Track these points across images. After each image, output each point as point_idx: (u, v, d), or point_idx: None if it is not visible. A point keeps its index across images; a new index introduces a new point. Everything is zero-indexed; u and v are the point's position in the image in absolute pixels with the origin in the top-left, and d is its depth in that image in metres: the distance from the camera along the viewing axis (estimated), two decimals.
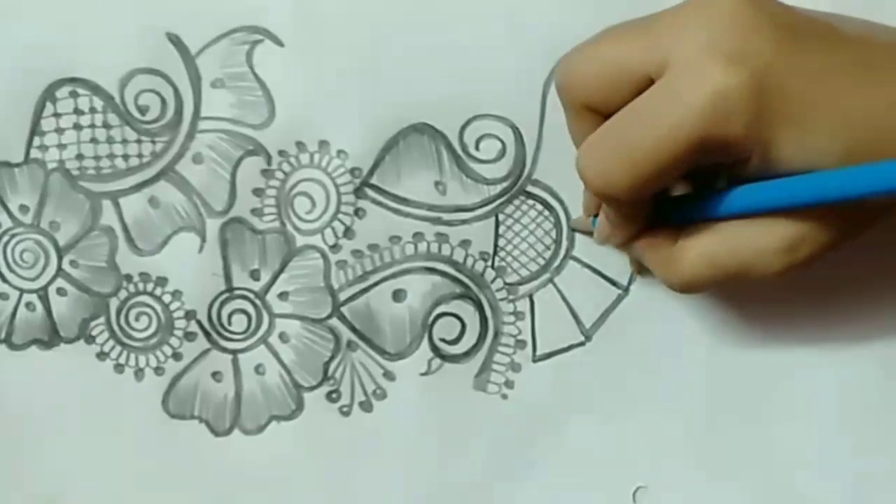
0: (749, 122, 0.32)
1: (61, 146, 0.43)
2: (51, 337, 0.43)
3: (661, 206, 0.37)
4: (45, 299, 0.43)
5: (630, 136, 0.33)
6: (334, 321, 0.43)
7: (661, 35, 0.33)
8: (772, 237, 0.34)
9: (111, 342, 0.43)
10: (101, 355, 0.43)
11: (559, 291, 0.42)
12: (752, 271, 0.35)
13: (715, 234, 0.35)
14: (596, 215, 0.39)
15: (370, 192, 0.42)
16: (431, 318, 0.42)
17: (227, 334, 0.43)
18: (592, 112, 0.35)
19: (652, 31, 0.34)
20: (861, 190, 0.31)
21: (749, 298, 0.42)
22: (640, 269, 0.42)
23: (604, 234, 0.38)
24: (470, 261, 0.42)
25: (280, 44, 0.42)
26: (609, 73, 0.34)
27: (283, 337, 0.43)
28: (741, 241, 0.35)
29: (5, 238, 0.43)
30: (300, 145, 0.42)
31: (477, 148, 0.42)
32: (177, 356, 0.43)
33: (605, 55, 0.35)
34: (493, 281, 0.42)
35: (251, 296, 0.43)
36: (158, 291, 0.43)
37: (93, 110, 0.42)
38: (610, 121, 0.34)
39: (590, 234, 0.41)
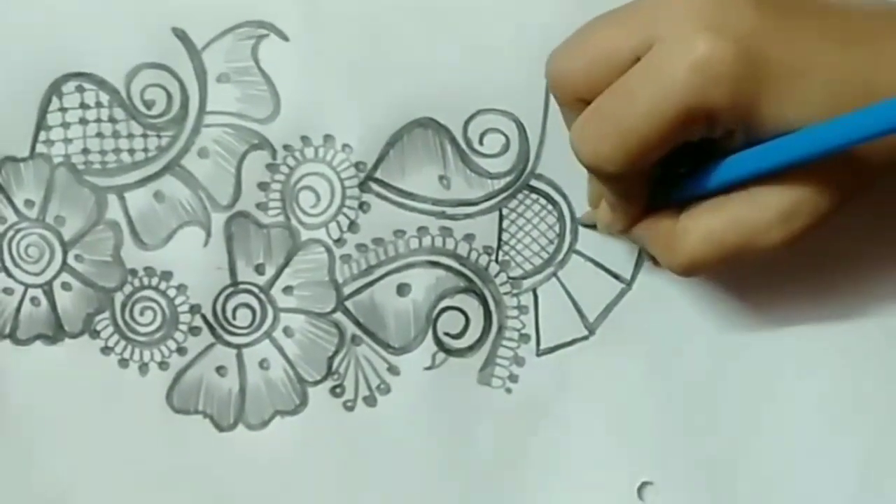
0: (733, 90, 0.32)
1: (67, 141, 0.43)
2: (55, 332, 0.43)
3: (661, 186, 0.37)
4: (49, 294, 0.43)
5: (618, 111, 0.33)
6: (339, 315, 0.43)
7: (645, 15, 0.34)
8: (769, 207, 0.34)
9: (116, 336, 0.43)
10: (106, 350, 0.43)
11: (563, 285, 0.42)
12: (753, 245, 0.35)
13: (714, 211, 0.36)
14: None
15: (374, 187, 0.42)
16: (436, 313, 0.43)
17: (231, 329, 0.43)
18: (586, 104, 0.35)
19: (636, 13, 0.34)
20: (845, 138, 0.31)
21: (753, 291, 0.42)
22: (654, 259, 0.41)
23: (606, 220, 0.39)
24: (474, 255, 0.42)
25: (285, 38, 0.42)
26: (598, 62, 0.34)
27: (287, 331, 0.43)
28: (739, 214, 0.35)
29: (10, 233, 0.43)
30: (305, 139, 0.42)
31: (481, 142, 0.42)
32: (181, 351, 0.43)
33: (592, 45, 0.35)
34: (496, 275, 0.42)
35: (256, 290, 0.43)
36: (163, 286, 0.43)
37: (99, 105, 0.42)
38: (598, 98, 0.34)
39: (595, 227, 0.41)
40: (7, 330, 0.43)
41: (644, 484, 0.43)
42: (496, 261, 0.42)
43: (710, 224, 0.36)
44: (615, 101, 0.34)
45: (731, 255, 0.36)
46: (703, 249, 0.36)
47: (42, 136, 0.43)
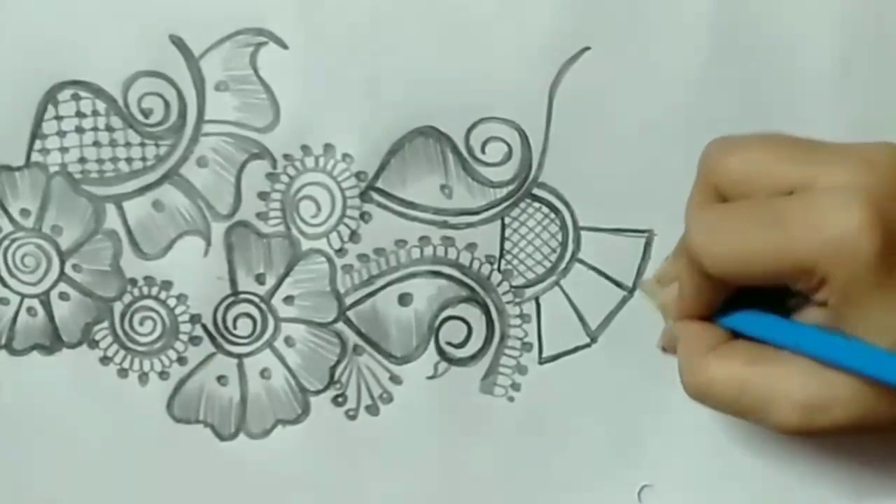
0: (859, 279, 0.32)
1: (63, 149, 0.42)
2: (52, 342, 0.43)
3: (725, 308, 0.37)
4: (47, 304, 0.43)
5: (757, 228, 0.33)
6: (340, 325, 0.43)
7: (821, 160, 0.34)
8: (801, 384, 0.34)
9: (115, 346, 0.43)
10: (105, 360, 0.43)
11: (565, 294, 0.42)
12: (767, 413, 0.34)
13: (751, 357, 0.35)
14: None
15: (376, 196, 0.42)
16: (438, 322, 0.42)
17: (232, 338, 0.43)
18: (715, 193, 0.36)
19: (812, 154, 0.34)
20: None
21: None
22: (668, 347, 0.41)
23: (666, 301, 0.39)
24: (476, 264, 0.42)
25: (284, 46, 0.42)
26: (755, 175, 0.34)
27: (288, 341, 0.43)
28: (772, 374, 0.34)
29: (6, 242, 0.43)
30: (305, 149, 0.42)
31: (483, 151, 0.42)
32: (182, 360, 0.43)
33: (756, 158, 0.35)
34: (499, 284, 0.42)
35: (257, 300, 0.43)
36: (163, 295, 0.43)
37: (95, 113, 0.42)
38: (743, 206, 0.34)
39: (650, 298, 0.42)
40: (3, 340, 0.43)
41: (644, 487, 0.43)
42: (498, 270, 0.42)
43: (740, 365, 0.35)
44: (759, 218, 0.33)
45: (741, 412, 0.35)
46: (722, 385, 0.35)
47: (37, 144, 0.42)
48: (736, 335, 0.37)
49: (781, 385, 0.34)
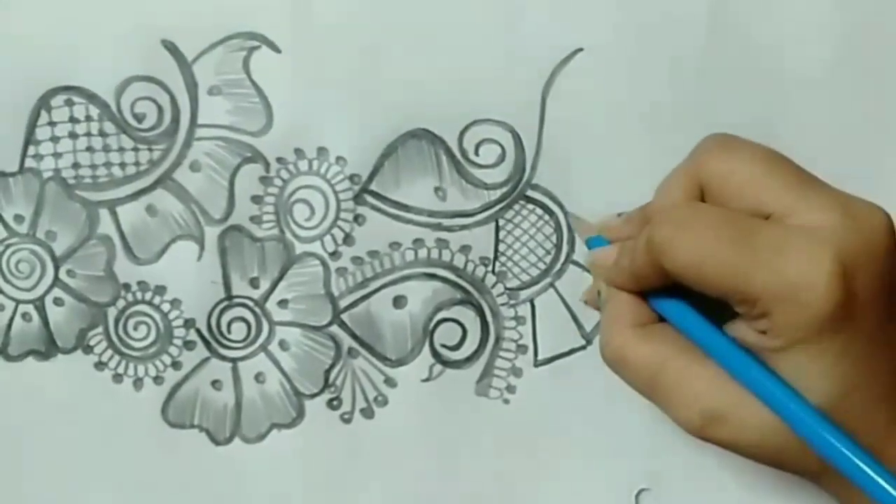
0: (806, 327, 0.31)
1: (57, 155, 0.42)
2: (48, 347, 0.43)
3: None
4: (41, 309, 0.43)
5: (725, 244, 0.32)
6: (335, 328, 0.43)
7: (810, 196, 0.33)
8: (708, 390, 0.33)
9: (109, 352, 0.43)
10: (100, 365, 0.43)
11: (560, 296, 0.42)
12: (672, 408, 0.34)
13: (673, 349, 0.35)
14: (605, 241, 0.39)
15: (370, 199, 0.42)
16: (432, 324, 0.42)
17: (226, 342, 0.43)
18: (695, 185, 0.35)
19: (804, 187, 0.33)
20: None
21: None
22: (591, 303, 0.40)
23: (602, 262, 0.37)
24: (470, 266, 0.42)
25: (277, 50, 0.42)
26: (744, 187, 0.34)
27: (283, 345, 0.43)
28: (686, 371, 0.34)
29: (0, 248, 0.43)
30: (298, 152, 0.42)
31: (476, 153, 0.42)
32: (176, 365, 0.43)
33: (752, 171, 0.34)
34: (493, 286, 0.42)
35: (251, 303, 0.43)
36: (157, 300, 0.43)
37: (88, 118, 0.42)
38: (719, 214, 0.33)
39: (581, 235, 0.41)
40: None
41: (641, 491, 0.43)
42: (493, 272, 0.42)
43: (654, 348, 0.35)
44: (735, 234, 0.32)
45: (648, 394, 0.35)
46: (635, 366, 0.35)
47: (31, 150, 0.42)
48: (661, 319, 0.36)
49: (691, 385, 0.34)
